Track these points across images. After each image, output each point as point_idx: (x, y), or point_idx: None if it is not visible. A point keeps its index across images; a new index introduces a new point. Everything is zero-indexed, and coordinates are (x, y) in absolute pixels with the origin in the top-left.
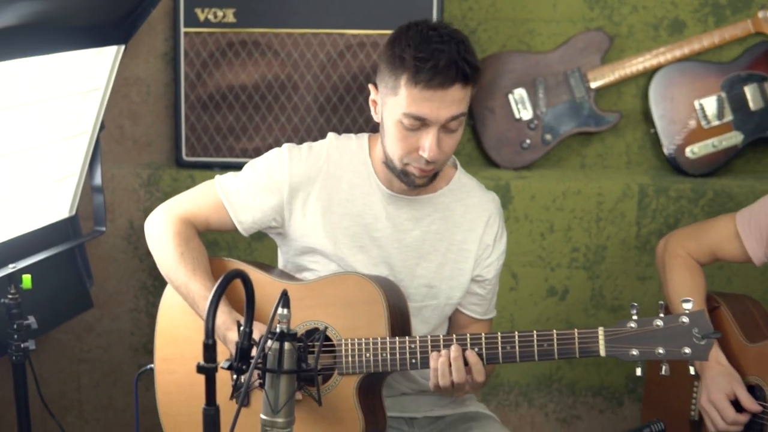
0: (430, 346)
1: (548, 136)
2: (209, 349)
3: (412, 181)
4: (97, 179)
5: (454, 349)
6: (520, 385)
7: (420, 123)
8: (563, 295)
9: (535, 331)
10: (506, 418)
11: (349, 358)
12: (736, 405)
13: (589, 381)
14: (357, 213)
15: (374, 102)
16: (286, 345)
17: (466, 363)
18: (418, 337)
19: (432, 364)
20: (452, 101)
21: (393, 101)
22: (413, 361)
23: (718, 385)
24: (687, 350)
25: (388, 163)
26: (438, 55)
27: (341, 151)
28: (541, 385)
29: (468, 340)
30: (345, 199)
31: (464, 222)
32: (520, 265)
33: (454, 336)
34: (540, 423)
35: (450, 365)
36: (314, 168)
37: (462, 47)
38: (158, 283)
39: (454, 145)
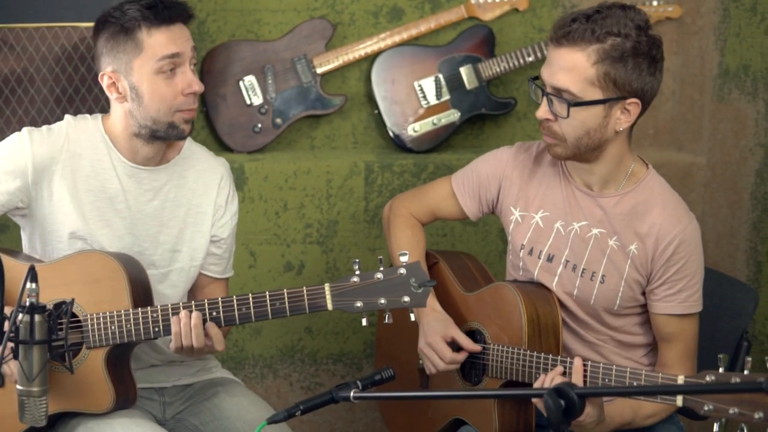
0: (171, 314)
1: (278, 120)
2: None
3: (181, 132)
4: None
5: (195, 317)
6: (264, 357)
7: (174, 62)
8: (300, 269)
9: (267, 292)
10: (253, 389)
11: (96, 332)
12: (454, 347)
13: (329, 349)
14: (100, 188)
15: (112, 85)
16: (37, 317)
17: (206, 334)
18: (159, 306)
19: (174, 328)
20: (185, 37)
21: (141, 60)
22: (156, 329)
23: (433, 329)
24: (406, 299)
25: (153, 126)
26: None
27: (80, 131)
28: (284, 356)
29: (206, 305)
30: (87, 175)
31: (198, 186)
32: (257, 243)
33: (193, 303)
34: (285, 392)
35: (191, 331)
36: (56, 148)
37: None
38: None
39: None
